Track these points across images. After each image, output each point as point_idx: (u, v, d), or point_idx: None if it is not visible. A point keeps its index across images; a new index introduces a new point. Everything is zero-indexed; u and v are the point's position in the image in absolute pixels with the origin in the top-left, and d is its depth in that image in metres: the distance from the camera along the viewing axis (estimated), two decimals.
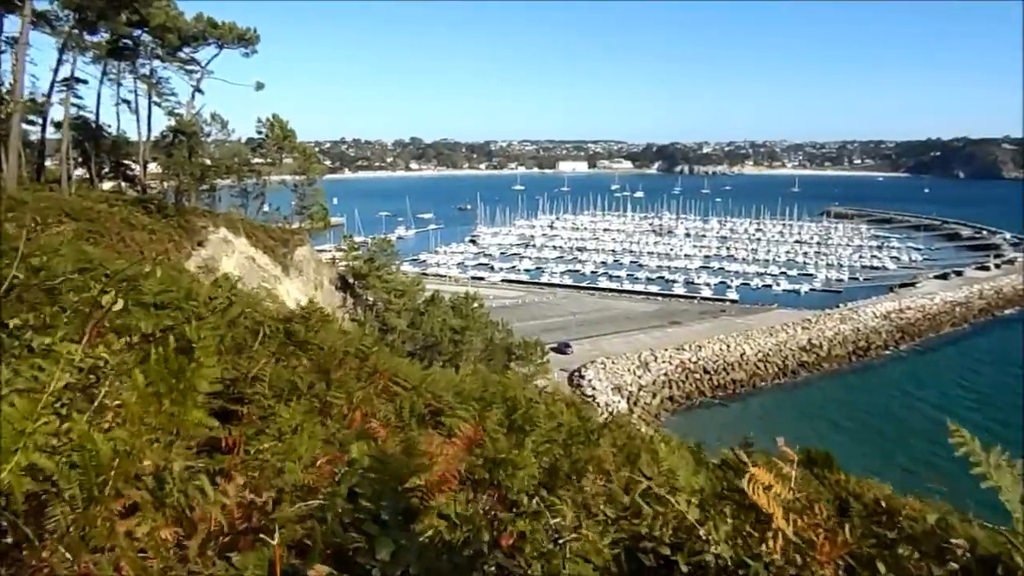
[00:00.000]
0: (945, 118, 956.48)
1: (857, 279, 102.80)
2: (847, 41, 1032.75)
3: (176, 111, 36.82)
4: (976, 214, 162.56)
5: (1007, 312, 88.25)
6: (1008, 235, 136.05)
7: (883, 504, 6.23)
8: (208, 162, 38.84)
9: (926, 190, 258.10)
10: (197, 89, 37.02)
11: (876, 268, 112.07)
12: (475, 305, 46.62)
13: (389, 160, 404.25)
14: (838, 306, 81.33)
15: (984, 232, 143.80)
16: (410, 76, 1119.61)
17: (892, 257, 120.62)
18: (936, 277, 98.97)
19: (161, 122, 38.00)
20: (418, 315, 43.55)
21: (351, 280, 44.15)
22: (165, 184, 36.86)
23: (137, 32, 32.99)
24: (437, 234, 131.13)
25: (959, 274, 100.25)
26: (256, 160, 42.86)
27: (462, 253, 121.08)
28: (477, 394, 4.98)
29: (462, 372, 6.14)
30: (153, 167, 38.23)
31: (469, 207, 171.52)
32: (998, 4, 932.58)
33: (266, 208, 43.08)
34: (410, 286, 45.73)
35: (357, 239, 50.09)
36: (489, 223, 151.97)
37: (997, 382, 62.13)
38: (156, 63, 35.79)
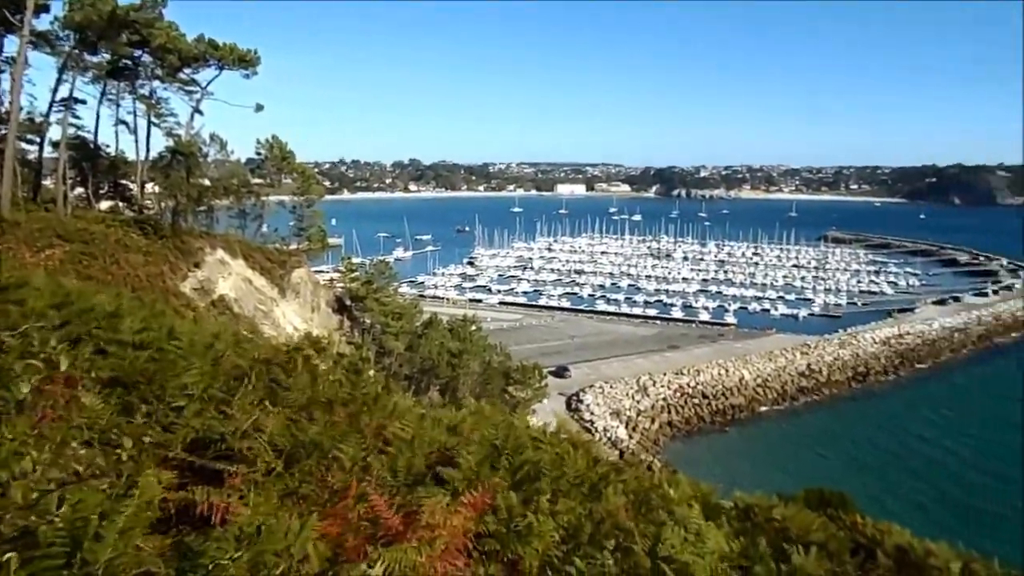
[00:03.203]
0: (940, 145, 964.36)
1: (855, 304, 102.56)
2: (841, 65, 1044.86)
3: (175, 132, 36.74)
4: (973, 240, 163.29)
5: (1005, 339, 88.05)
6: (1005, 261, 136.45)
7: (909, 554, 5.87)
8: (206, 183, 38.70)
9: (922, 216, 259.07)
10: (196, 110, 36.97)
11: (874, 293, 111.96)
12: (473, 328, 46.29)
13: (388, 181, 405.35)
14: (837, 331, 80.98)
15: (981, 258, 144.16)
16: (409, 98, 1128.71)
17: (890, 282, 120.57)
18: (934, 303, 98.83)
19: (160, 142, 37.96)
20: (416, 338, 43.19)
21: (348, 302, 43.82)
22: (162, 204, 36.66)
23: (137, 53, 33.00)
24: (435, 256, 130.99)
25: (957, 300, 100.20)
26: (255, 181, 42.73)
27: (460, 275, 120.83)
28: (480, 439, 4.64)
29: (463, 412, 5.79)
30: (151, 187, 38.07)
31: (467, 229, 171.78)
32: (993, 33, 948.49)
33: (264, 229, 42.89)
34: (408, 309, 45.42)
35: (355, 260, 49.74)
36: (487, 245, 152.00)
37: (995, 413, 61.68)
38: (156, 84, 35.77)
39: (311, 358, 5.74)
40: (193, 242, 30.66)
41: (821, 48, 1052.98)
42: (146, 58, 33.78)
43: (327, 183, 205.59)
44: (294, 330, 28.38)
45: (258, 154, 42.60)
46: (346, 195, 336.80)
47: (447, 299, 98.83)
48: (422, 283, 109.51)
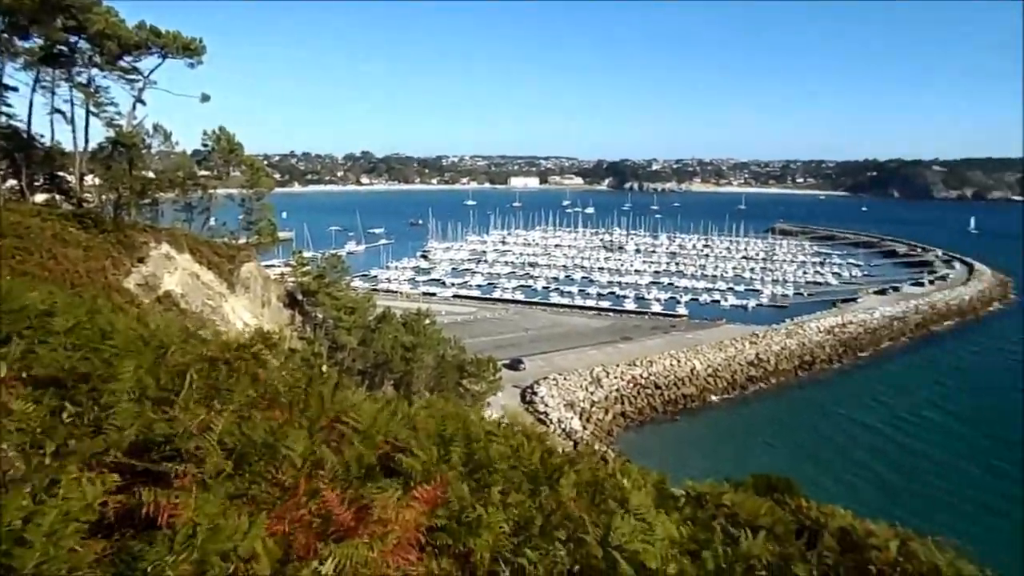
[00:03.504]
0: (881, 140, 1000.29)
1: (802, 294, 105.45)
2: (787, 62, 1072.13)
3: (115, 122, 35.37)
4: (911, 232, 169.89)
5: (941, 327, 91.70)
6: (940, 252, 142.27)
7: (851, 535, 6.06)
8: (150, 175, 37.46)
9: (864, 209, 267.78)
10: (139, 99, 35.69)
11: (819, 284, 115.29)
12: (427, 322, 46.03)
13: (340, 174, 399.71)
14: (784, 321, 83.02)
15: (918, 249, 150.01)
16: (361, 90, 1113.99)
17: (834, 273, 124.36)
18: (875, 292, 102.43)
19: (99, 133, 36.41)
20: (369, 332, 42.74)
21: (300, 297, 43.08)
22: (103, 197, 35.33)
23: (74, 39, 31.66)
24: (388, 249, 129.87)
25: (896, 290, 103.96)
26: (202, 173, 41.55)
27: (413, 269, 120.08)
28: (433, 432, 4.62)
29: (416, 406, 5.76)
30: (90, 179, 36.66)
31: (420, 222, 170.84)
32: (930, 32, 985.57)
33: (212, 223, 41.77)
34: (361, 303, 44.89)
35: (306, 254, 48.91)
36: (441, 238, 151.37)
37: (930, 398, 64.36)
38: (94, 71, 34.34)
39: (262, 354, 5.63)
40: (137, 236, 29.66)
41: (766, 45, 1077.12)
42: (83, 44, 32.42)
43: (277, 176, 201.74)
44: (244, 326, 27.78)
45: (205, 146, 41.39)
46: (297, 188, 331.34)
47: (401, 293, 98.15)
48: (375, 277, 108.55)
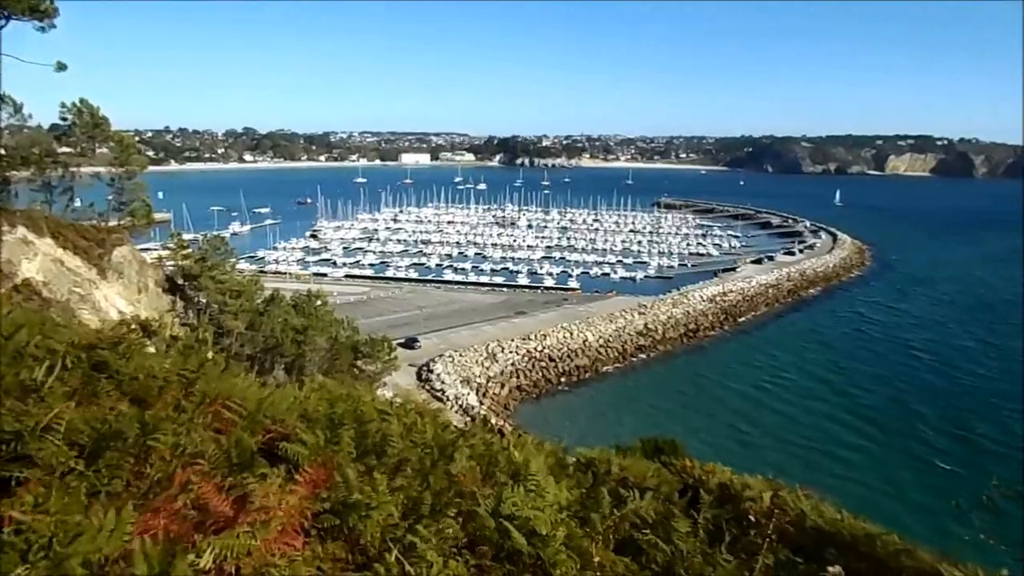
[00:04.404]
0: (755, 117, 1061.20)
1: (686, 265, 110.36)
2: (668, 40, 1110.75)
3: None
4: (782, 204, 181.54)
5: (809, 293, 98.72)
6: (808, 223, 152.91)
7: (729, 489, 6.46)
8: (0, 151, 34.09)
9: (741, 183, 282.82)
10: None
11: (702, 255, 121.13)
12: (318, 303, 44.74)
13: (220, 151, 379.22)
14: (670, 291, 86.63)
15: (789, 220, 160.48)
16: (243, 62, 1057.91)
17: (715, 244, 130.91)
18: (752, 262, 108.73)
19: None
20: (257, 316, 41.06)
21: (181, 281, 40.75)
22: None
23: None
24: (275, 230, 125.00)
25: (771, 259, 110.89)
26: (62, 150, 38.17)
27: (303, 249, 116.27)
28: (324, 415, 4.52)
29: (307, 388, 5.61)
30: None
31: (309, 201, 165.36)
32: (805, 22, 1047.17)
33: (77, 204, 38.57)
34: (247, 286, 42.94)
35: (186, 236, 46.13)
36: (331, 217, 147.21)
37: (798, 360, 69.44)
38: None
39: (136, 341, 5.29)
40: None
41: (650, 30, 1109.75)
42: None
43: (151, 153, 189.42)
44: (119, 314, 26.04)
45: (64, 120, 38.02)
46: (174, 166, 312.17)
47: (290, 274, 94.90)
48: (262, 258, 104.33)
